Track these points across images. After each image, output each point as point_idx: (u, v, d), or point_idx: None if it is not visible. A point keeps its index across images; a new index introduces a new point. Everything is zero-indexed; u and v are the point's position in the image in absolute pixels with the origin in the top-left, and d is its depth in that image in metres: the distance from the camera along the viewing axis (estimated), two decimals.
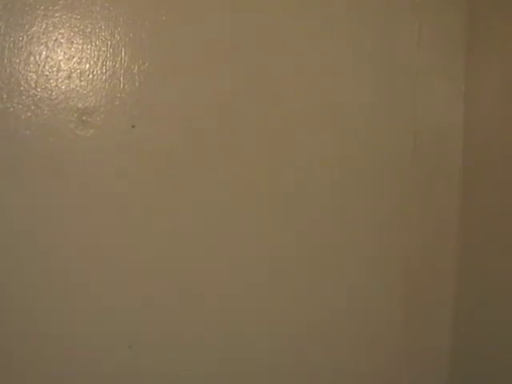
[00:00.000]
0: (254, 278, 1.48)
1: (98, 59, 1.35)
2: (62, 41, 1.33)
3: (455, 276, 1.59)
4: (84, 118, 1.34)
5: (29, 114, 1.31)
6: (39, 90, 1.32)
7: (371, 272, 1.56)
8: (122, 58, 1.36)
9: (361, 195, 1.53)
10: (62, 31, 1.33)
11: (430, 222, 1.59)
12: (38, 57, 1.32)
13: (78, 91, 1.34)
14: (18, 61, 1.31)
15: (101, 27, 1.35)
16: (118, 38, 1.36)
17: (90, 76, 1.34)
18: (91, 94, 1.34)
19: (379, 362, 1.57)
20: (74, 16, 1.33)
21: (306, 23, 1.49)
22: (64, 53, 1.33)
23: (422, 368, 1.59)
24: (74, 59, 1.34)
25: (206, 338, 1.45)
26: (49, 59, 1.32)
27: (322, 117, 1.50)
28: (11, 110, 1.30)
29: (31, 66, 1.31)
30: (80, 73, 1.34)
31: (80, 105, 1.34)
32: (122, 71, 1.36)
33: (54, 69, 1.33)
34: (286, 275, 1.50)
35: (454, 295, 1.59)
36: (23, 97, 1.31)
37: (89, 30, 1.34)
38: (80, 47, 1.34)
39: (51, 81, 1.32)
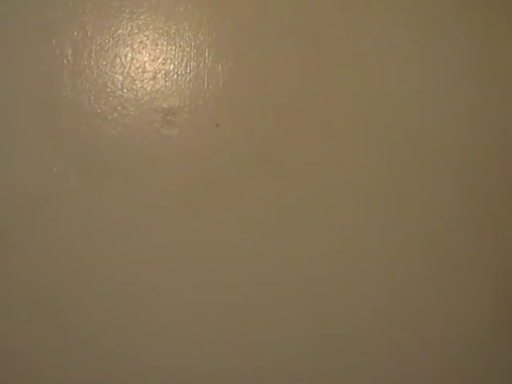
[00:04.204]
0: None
1: (182, 60, 1.37)
2: (146, 42, 1.36)
3: None
4: (169, 117, 1.36)
5: (115, 114, 1.35)
6: (125, 91, 1.35)
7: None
8: (205, 58, 1.37)
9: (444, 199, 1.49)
10: (146, 33, 1.36)
11: None
12: (123, 58, 1.36)
13: (162, 91, 1.36)
14: (104, 63, 1.35)
15: (184, 28, 1.37)
16: (202, 38, 1.37)
17: (175, 76, 1.37)
18: (176, 94, 1.37)
19: None
20: (158, 18, 1.36)
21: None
22: (149, 54, 1.36)
23: None
24: (159, 60, 1.37)
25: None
26: (134, 61, 1.36)
27: (413, 110, 1.48)
28: (98, 111, 1.34)
29: (117, 67, 1.35)
30: (165, 73, 1.37)
31: (165, 105, 1.37)
32: (206, 71, 1.37)
33: (140, 70, 1.36)
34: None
35: None
36: (110, 98, 1.35)
37: (173, 31, 1.37)
38: (164, 48, 1.37)
39: (137, 82, 1.36)
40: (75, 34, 1.34)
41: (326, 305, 1.44)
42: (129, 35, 1.36)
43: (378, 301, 1.46)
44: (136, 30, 1.36)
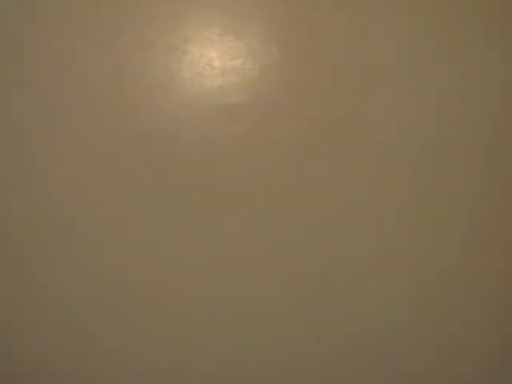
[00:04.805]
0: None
1: (248, 56, 1.37)
2: (214, 39, 1.36)
3: None
4: (236, 114, 1.36)
5: (183, 110, 1.34)
6: (193, 87, 1.35)
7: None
8: (272, 55, 1.37)
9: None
10: (214, 30, 1.36)
11: None
12: (191, 55, 1.35)
13: (229, 88, 1.36)
14: (172, 59, 1.34)
15: (251, 25, 1.37)
16: (268, 34, 1.37)
17: (241, 72, 1.37)
18: (243, 90, 1.37)
19: None
20: (225, 15, 1.36)
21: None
22: (216, 50, 1.36)
23: None
24: (226, 56, 1.37)
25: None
26: (202, 57, 1.36)
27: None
28: (165, 107, 1.34)
29: (185, 64, 1.35)
30: (232, 70, 1.36)
31: (232, 101, 1.36)
32: (273, 67, 1.37)
33: (207, 66, 1.36)
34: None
35: None
36: (178, 94, 1.34)
37: (239, 28, 1.37)
38: (232, 45, 1.37)
39: (204, 78, 1.35)
40: (144, 32, 1.34)
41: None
42: (197, 32, 1.35)
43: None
44: (204, 28, 1.35)
